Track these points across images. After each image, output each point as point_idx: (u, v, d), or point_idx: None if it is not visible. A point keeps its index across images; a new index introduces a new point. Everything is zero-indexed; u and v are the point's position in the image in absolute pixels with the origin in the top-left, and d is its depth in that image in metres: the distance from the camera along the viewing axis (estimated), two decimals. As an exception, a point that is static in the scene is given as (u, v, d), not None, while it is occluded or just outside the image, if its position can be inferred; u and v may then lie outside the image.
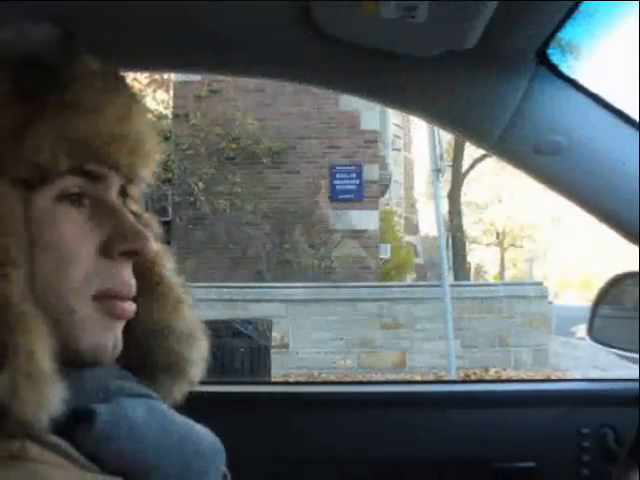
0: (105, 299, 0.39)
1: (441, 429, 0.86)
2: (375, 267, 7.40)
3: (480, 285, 8.52)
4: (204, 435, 0.42)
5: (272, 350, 4.49)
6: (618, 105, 0.63)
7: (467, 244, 16.30)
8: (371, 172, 7.37)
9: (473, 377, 5.21)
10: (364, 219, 7.27)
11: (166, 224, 6.63)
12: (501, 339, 5.61)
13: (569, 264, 28.96)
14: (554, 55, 0.61)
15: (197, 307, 0.48)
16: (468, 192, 17.84)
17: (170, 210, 7.23)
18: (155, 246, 0.42)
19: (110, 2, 0.52)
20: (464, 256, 13.39)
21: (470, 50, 0.56)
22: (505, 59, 0.61)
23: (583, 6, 0.53)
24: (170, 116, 7.70)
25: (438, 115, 0.69)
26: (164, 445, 0.38)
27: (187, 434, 0.40)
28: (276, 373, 4.82)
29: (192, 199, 7.10)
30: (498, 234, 22.30)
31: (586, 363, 6.10)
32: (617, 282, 0.77)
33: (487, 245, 22.87)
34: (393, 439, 0.86)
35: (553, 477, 0.84)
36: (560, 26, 0.57)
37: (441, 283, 4.86)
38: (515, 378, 5.01)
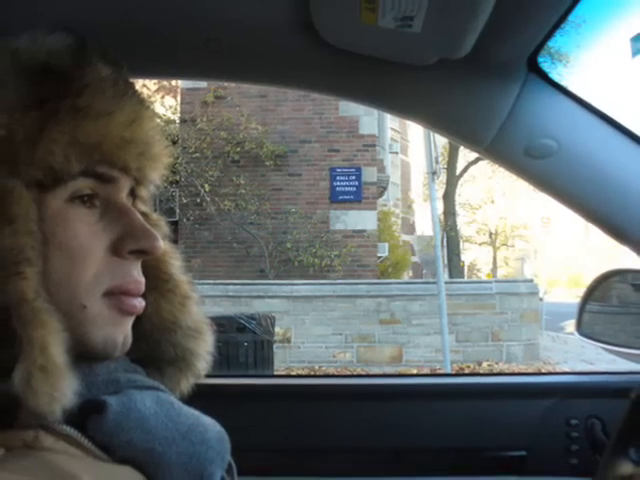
0: (115, 296, 0.40)
1: (436, 420, 0.87)
2: (373, 265, 7.43)
3: (474, 282, 8.56)
4: (210, 426, 0.43)
5: (275, 344, 4.51)
6: (605, 110, 0.65)
7: (461, 243, 16.32)
8: (369, 174, 7.41)
9: (467, 370, 5.25)
10: (363, 219, 7.31)
11: (173, 224, 6.69)
12: (494, 334, 5.65)
13: (559, 263, 29.09)
14: (544, 63, 0.63)
15: (203, 303, 0.49)
16: (462, 193, 17.93)
17: (177, 211, 7.31)
18: (163, 245, 0.43)
19: (120, 12, 0.54)
20: (458, 255, 13.43)
21: (464, 58, 0.57)
22: (497, 66, 0.62)
23: (572, 16, 0.55)
24: (177, 121, 7.75)
25: (434, 120, 0.70)
26: (172, 435, 0.39)
27: (194, 425, 0.41)
28: (279, 366, 4.91)
29: (198, 200, 7.17)
30: (491, 234, 22.42)
31: (575, 357, 6.18)
32: (604, 280, 0.78)
33: (480, 244, 22.98)
34: (390, 429, 0.87)
35: (543, 466, 0.85)
36: (550, 35, 0.58)
37: (436, 280, 4.88)
38: (507, 371, 5.06)
